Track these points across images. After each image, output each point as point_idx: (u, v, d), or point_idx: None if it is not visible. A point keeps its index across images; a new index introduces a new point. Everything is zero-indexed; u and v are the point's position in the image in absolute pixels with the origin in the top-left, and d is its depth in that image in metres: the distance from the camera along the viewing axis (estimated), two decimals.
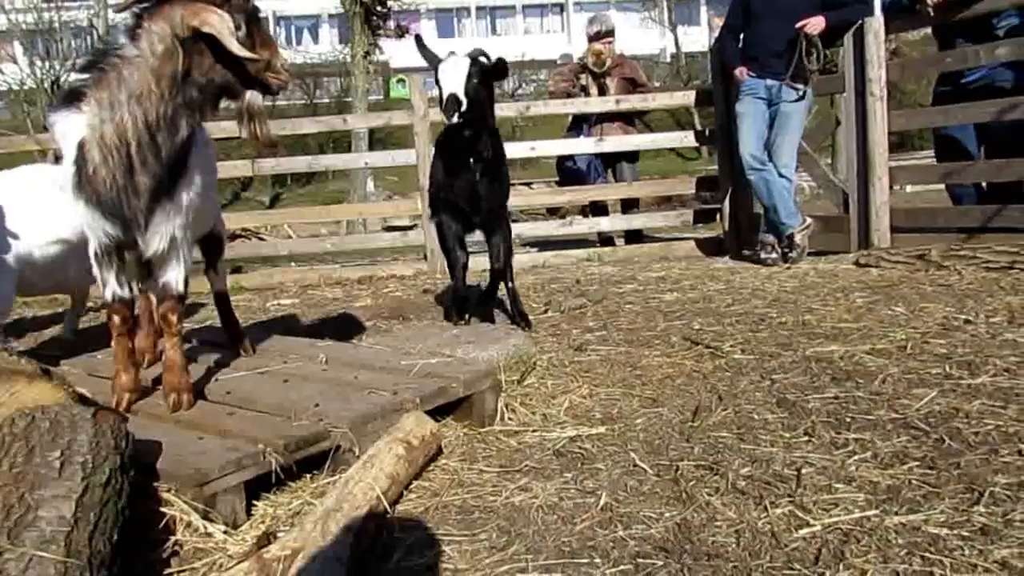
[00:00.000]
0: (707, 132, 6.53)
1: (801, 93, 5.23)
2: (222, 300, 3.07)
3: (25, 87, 20.55)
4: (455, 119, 3.32)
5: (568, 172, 6.93)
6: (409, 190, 18.83)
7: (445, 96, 3.32)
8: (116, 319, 2.46)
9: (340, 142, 20.48)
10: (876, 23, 5.27)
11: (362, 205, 11.55)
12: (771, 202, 5.27)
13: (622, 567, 1.71)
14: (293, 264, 7.42)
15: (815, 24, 5.14)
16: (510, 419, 2.64)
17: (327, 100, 26.77)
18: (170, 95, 2.20)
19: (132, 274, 2.47)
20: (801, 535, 1.76)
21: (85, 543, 1.42)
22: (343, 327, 4.29)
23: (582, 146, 6.59)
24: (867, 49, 5.28)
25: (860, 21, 5.28)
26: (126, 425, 1.85)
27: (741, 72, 5.39)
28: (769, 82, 5.31)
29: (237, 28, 2.22)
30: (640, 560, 1.73)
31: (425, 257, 6.56)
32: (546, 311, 4.27)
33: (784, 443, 2.26)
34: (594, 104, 6.54)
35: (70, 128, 2.25)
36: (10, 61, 20.73)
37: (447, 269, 3.99)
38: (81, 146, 2.24)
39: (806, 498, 1.91)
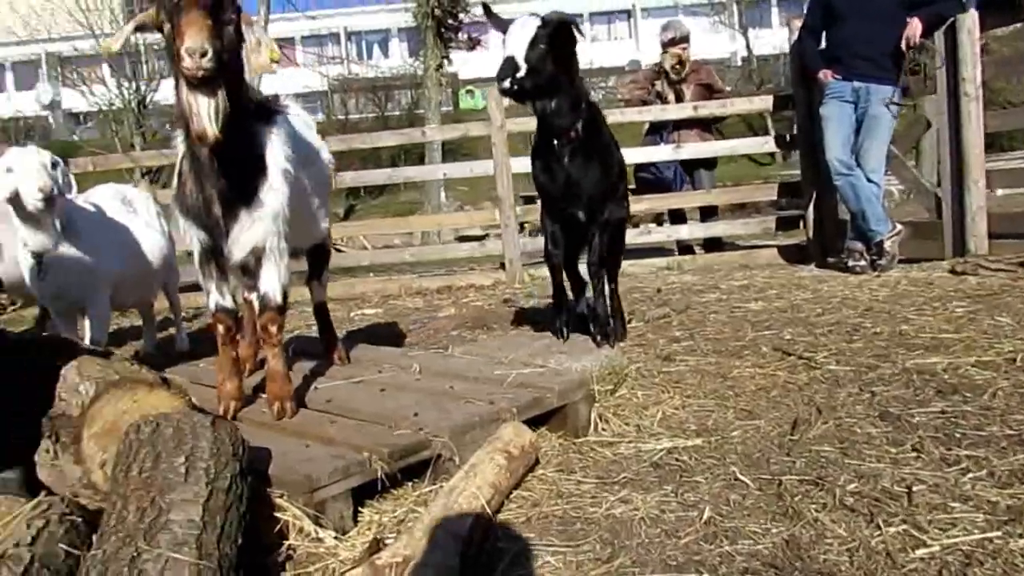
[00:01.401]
0: (788, 137, 6.39)
1: (896, 99, 5.10)
2: (321, 310, 3.15)
3: (113, 107, 21.41)
4: (506, 84, 2.92)
5: (646, 180, 6.88)
6: (479, 200, 19.02)
7: (501, 60, 2.95)
8: (220, 328, 2.55)
9: (411, 153, 20.74)
10: (969, 20, 5.10)
11: (440, 216, 11.66)
12: (859, 208, 5.15)
13: None
14: (371, 275, 7.55)
15: (915, 30, 4.99)
16: (604, 430, 2.63)
17: (398, 113, 27.16)
18: None
19: (233, 284, 2.56)
20: (918, 555, 1.71)
21: (214, 546, 1.47)
22: (429, 337, 4.35)
23: (659, 153, 6.54)
24: (960, 47, 5.11)
25: (952, 18, 5.12)
26: (240, 432, 1.91)
27: (825, 74, 5.27)
28: (856, 84, 5.18)
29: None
30: None
31: (503, 267, 6.60)
32: (630, 320, 4.25)
33: (891, 459, 2.20)
34: (671, 111, 6.49)
35: (180, 143, 2.38)
36: (99, 83, 21.63)
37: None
38: (181, 159, 2.37)
39: (920, 517, 1.86)
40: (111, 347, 4.68)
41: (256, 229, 2.40)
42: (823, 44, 5.47)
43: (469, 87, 29.44)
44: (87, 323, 3.61)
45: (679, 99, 6.67)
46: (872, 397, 2.69)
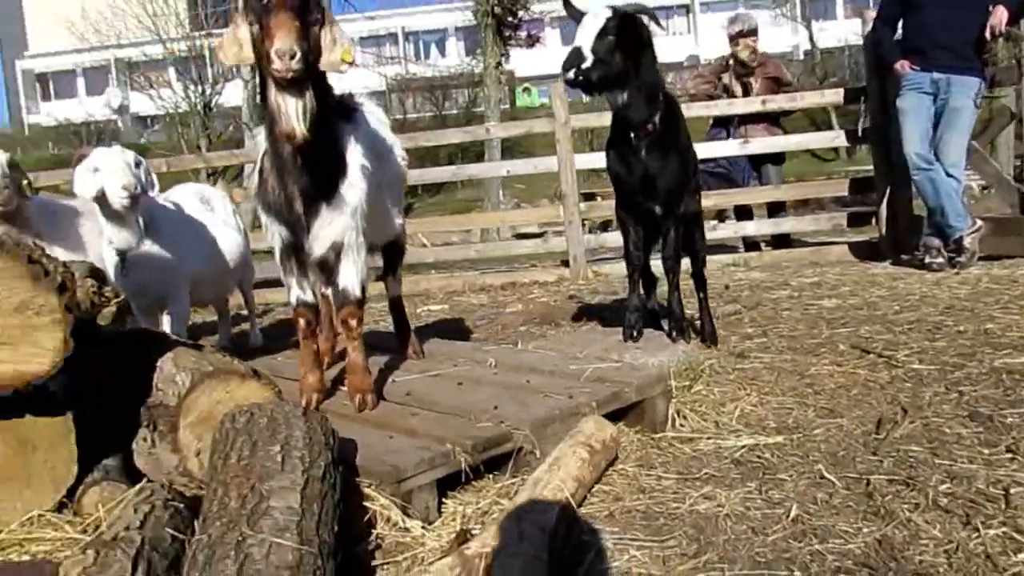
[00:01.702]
0: (860, 131, 6.24)
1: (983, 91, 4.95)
2: (396, 305, 3.19)
3: (179, 110, 21.98)
4: (571, 75, 2.90)
5: (710, 172, 6.76)
6: (537, 198, 19.02)
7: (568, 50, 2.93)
8: (301, 322, 2.60)
9: (468, 152, 20.85)
10: None
11: (502, 213, 11.73)
12: (938, 203, 5.00)
13: None
14: (434, 272, 7.61)
15: (1000, 18, 4.82)
16: (682, 425, 2.62)
17: (455, 111, 27.32)
18: None
19: (312, 279, 2.61)
20: (1021, 559, 1.66)
21: (314, 532, 1.51)
22: (497, 332, 4.37)
23: (726, 148, 6.45)
24: None
25: None
26: (330, 423, 1.95)
27: (903, 65, 5.12)
28: (935, 75, 5.02)
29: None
30: (842, 575, 1.68)
31: (566, 263, 6.60)
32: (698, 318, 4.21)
33: (984, 460, 2.15)
34: (738, 105, 6.39)
35: (261, 140, 2.44)
36: (166, 87, 22.23)
37: None
38: (263, 156, 2.42)
39: (1021, 520, 1.80)
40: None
41: (336, 225, 2.44)
42: (899, 34, 5.33)
43: (526, 85, 29.48)
44: (165, 319, 3.72)
45: (746, 93, 6.57)
46: (960, 397, 2.62)
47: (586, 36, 2.91)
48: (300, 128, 2.18)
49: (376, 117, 2.94)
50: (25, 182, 3.61)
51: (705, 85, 6.80)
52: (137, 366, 2.24)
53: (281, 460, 1.69)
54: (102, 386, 2.14)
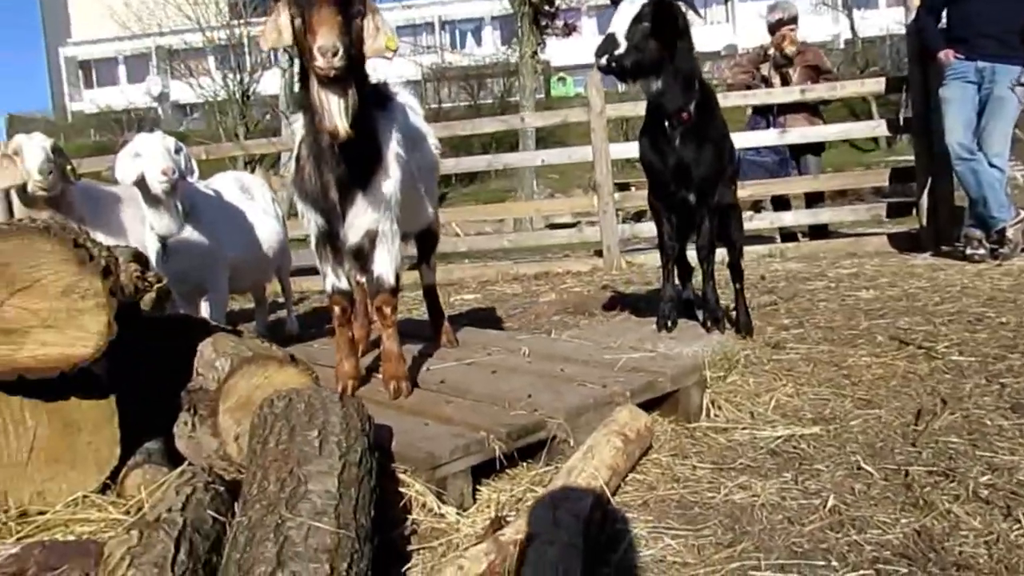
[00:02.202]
0: (901, 121, 6.14)
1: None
2: (431, 293, 3.21)
3: (218, 99, 22.21)
4: (603, 61, 2.90)
5: (751, 161, 6.66)
6: (570, 188, 18.95)
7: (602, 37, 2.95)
8: (336, 310, 2.63)
9: (502, 141, 20.81)
10: None
11: (536, 202, 11.71)
12: (980, 194, 4.91)
13: (862, 572, 1.65)
14: (467, 261, 7.62)
15: None
16: (716, 416, 2.60)
17: (490, 101, 27.28)
18: None
19: (348, 267, 2.63)
20: None
21: (351, 516, 1.53)
22: (530, 322, 4.38)
23: (764, 138, 6.37)
24: None
25: None
26: (366, 409, 1.97)
27: (947, 55, 5.02)
28: (980, 64, 4.92)
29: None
30: (880, 566, 1.67)
31: (599, 253, 6.58)
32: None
33: None
34: (777, 94, 6.31)
35: (297, 128, 2.46)
36: (205, 75, 22.47)
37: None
38: (300, 144, 2.44)
39: None
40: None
41: (371, 213, 2.45)
42: (943, 23, 5.22)
43: (561, 74, 29.34)
44: (204, 305, 3.78)
45: (785, 82, 6.48)
46: (1001, 388, 2.58)
47: (621, 22, 2.90)
48: (343, 125, 2.18)
49: (410, 106, 2.95)
50: (69, 168, 3.68)
51: (743, 75, 6.71)
52: (177, 351, 2.28)
53: (319, 445, 1.71)
54: (144, 370, 2.18)
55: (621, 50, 2.89)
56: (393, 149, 2.47)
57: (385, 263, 2.54)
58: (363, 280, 3.04)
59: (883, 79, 6.73)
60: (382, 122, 2.48)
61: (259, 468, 1.68)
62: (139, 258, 2.29)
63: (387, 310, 2.58)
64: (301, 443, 1.72)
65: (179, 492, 1.65)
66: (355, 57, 2.19)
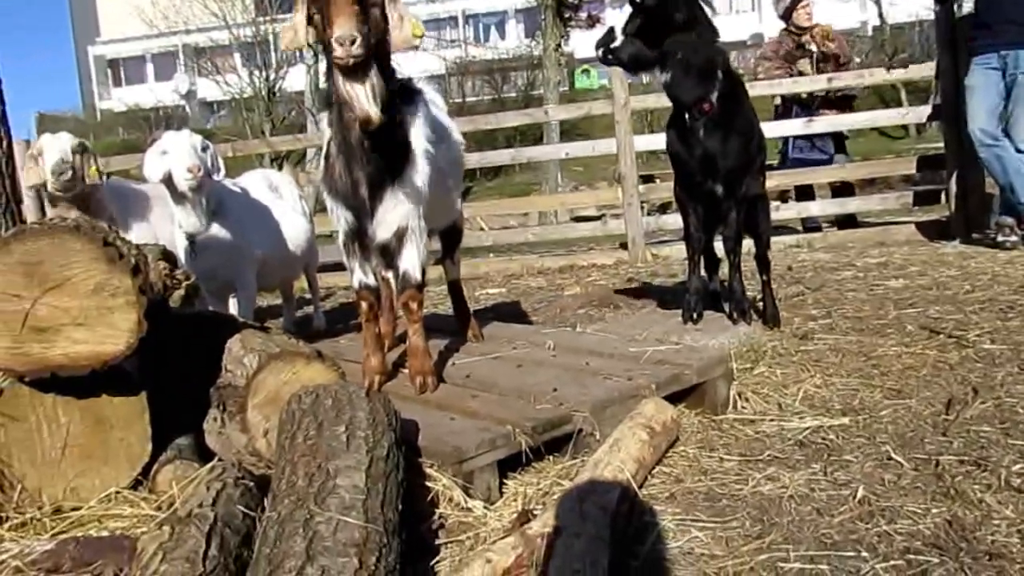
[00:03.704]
0: (932, 108, 6.04)
1: None
2: (455, 288, 3.21)
3: (244, 96, 22.41)
4: (599, 53, 3.03)
5: (797, 162, 6.54)
6: (595, 181, 18.88)
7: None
8: (363, 305, 2.64)
9: (527, 135, 20.78)
10: None
11: (561, 195, 11.71)
12: (1007, 180, 4.84)
13: (893, 562, 1.64)
14: (491, 255, 7.63)
15: None
16: (743, 407, 2.59)
17: (513, 95, 27.25)
18: None
19: (374, 263, 2.64)
20: None
21: (379, 511, 1.54)
22: (555, 315, 4.37)
23: (790, 128, 6.29)
24: None
25: None
26: (392, 404, 1.99)
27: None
28: (1004, 51, 4.85)
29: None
30: (912, 556, 1.65)
31: (624, 246, 6.56)
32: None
33: None
34: (803, 83, 6.23)
35: (324, 126, 2.47)
36: (232, 72, 22.69)
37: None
38: (328, 142, 2.46)
39: None
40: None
41: (400, 210, 2.46)
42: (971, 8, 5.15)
43: (585, 67, 29.22)
44: (232, 302, 3.82)
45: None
46: None
47: (623, 15, 3.01)
48: (375, 110, 2.19)
49: (433, 101, 2.95)
50: (94, 168, 3.70)
51: (777, 71, 6.56)
52: (206, 348, 2.31)
53: (346, 440, 1.72)
54: (173, 367, 2.21)
55: (617, 43, 2.99)
56: (422, 145, 2.48)
57: (412, 259, 2.54)
58: (389, 275, 3.06)
59: (912, 66, 6.61)
60: (410, 117, 2.48)
61: (287, 463, 1.70)
62: (168, 256, 2.32)
63: (413, 305, 2.58)
64: (329, 438, 1.73)
65: (210, 488, 1.67)
66: (376, 46, 2.19)
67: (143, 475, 1.99)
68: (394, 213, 2.45)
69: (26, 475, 1.89)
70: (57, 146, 3.58)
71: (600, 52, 3.03)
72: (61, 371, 1.79)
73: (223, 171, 3.60)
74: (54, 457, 1.91)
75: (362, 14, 2.14)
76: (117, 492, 1.94)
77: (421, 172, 2.47)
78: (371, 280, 2.63)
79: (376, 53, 2.21)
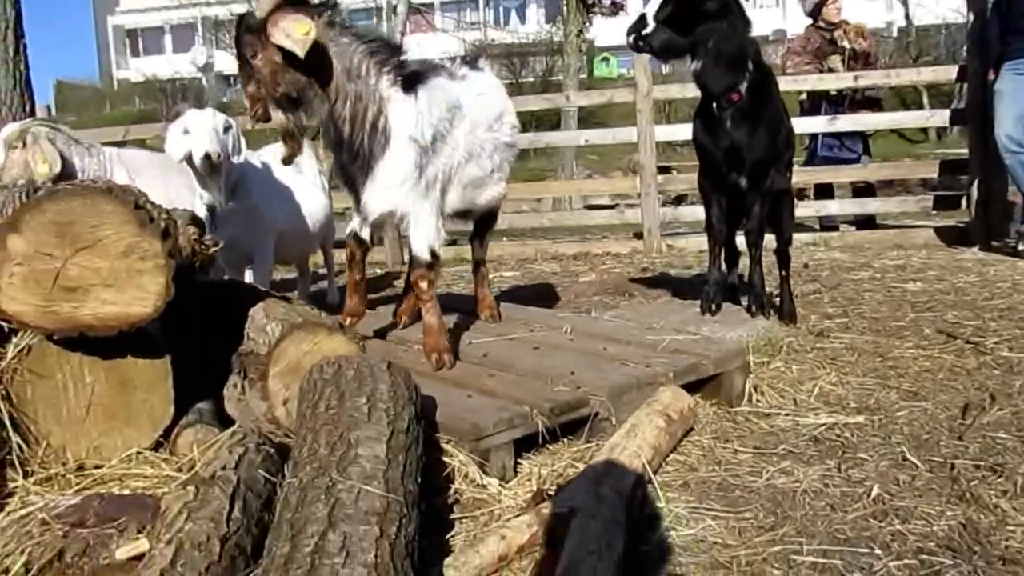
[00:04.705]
0: (956, 111, 6.00)
1: None
2: (479, 268, 3.20)
3: None
4: (630, 39, 3.02)
5: (826, 161, 6.48)
6: (609, 169, 18.79)
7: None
8: (347, 252, 2.78)
9: (543, 121, 20.67)
10: None
11: (578, 182, 11.66)
12: None
13: (906, 561, 1.65)
14: (505, 239, 7.63)
15: None
16: (759, 401, 2.59)
17: (531, 79, 27.12)
18: None
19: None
20: None
21: (399, 482, 1.55)
22: (570, 300, 4.38)
23: (814, 125, 6.24)
24: None
25: None
26: (413, 379, 2.00)
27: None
28: None
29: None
30: (925, 557, 1.66)
31: (638, 236, 6.54)
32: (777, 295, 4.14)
33: None
34: (829, 80, 6.18)
35: None
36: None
37: None
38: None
39: None
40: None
41: (380, 198, 2.53)
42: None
43: (605, 55, 29.06)
44: (248, 273, 3.84)
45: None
46: None
47: (654, 2, 2.99)
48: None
49: (482, 83, 2.89)
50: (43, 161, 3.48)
51: (807, 67, 6.48)
52: (228, 315, 2.33)
53: (368, 411, 1.74)
54: (196, 332, 2.23)
55: (648, 29, 2.98)
56: (405, 131, 2.48)
57: (419, 240, 2.59)
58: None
59: (940, 68, 6.55)
60: (396, 104, 2.47)
61: (309, 431, 1.71)
62: (197, 222, 2.33)
63: (423, 284, 2.61)
64: (350, 408, 1.74)
65: (232, 452, 1.69)
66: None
67: (164, 437, 2.01)
68: (375, 201, 2.54)
69: (51, 432, 1.91)
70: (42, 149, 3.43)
71: (631, 39, 3.02)
72: (89, 331, 1.81)
73: (244, 153, 3.60)
74: (79, 415, 1.93)
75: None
76: (138, 452, 1.96)
77: (400, 160, 2.49)
78: (364, 234, 2.72)
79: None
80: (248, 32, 2.33)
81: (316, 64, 2.34)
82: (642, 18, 3.01)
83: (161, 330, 2.04)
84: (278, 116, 2.44)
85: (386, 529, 1.41)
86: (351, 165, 2.51)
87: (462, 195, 2.73)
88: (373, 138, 2.45)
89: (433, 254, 2.60)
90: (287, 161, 2.70)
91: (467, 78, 2.79)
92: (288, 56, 2.29)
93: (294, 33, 2.24)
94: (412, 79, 2.53)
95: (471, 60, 2.98)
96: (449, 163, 2.64)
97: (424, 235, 2.58)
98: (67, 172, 3.53)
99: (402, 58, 2.52)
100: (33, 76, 4.46)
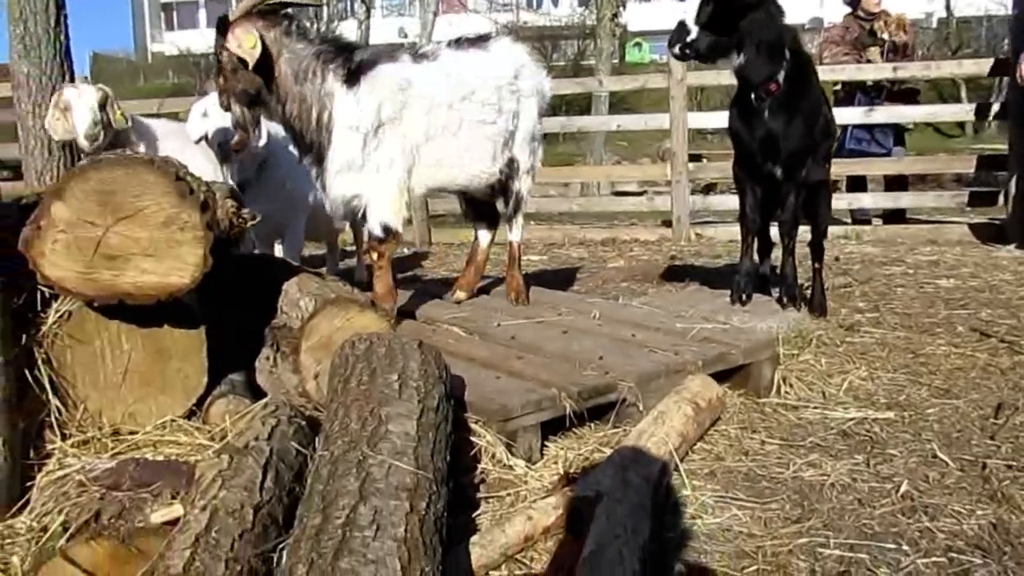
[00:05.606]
0: (999, 107, 5.87)
1: None
2: (512, 249, 3.20)
3: None
4: (676, 51, 2.99)
5: (854, 155, 6.39)
6: (638, 156, 18.67)
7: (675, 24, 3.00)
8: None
9: (572, 105, 20.54)
10: None
11: (608, 168, 11.61)
12: None
13: (934, 559, 1.64)
14: (532, 223, 7.60)
15: None
16: (787, 393, 2.58)
17: (562, 63, 26.93)
18: None
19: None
20: None
21: (428, 459, 1.56)
22: (598, 286, 4.37)
23: (849, 116, 6.14)
24: None
25: None
26: (443, 358, 2.01)
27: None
28: None
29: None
30: (953, 555, 1.65)
31: (669, 223, 6.50)
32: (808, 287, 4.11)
33: None
34: (868, 71, 6.08)
35: None
36: None
37: None
38: None
39: None
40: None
41: (335, 185, 2.72)
42: None
43: (637, 40, 28.78)
44: (278, 247, 3.86)
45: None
46: None
47: (690, 7, 2.94)
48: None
49: (462, 64, 2.88)
50: (119, 114, 3.65)
51: (845, 57, 6.38)
52: (262, 288, 2.35)
53: (398, 388, 1.75)
54: (230, 304, 2.25)
55: (692, 36, 2.94)
56: (344, 121, 2.64)
57: (373, 216, 2.77)
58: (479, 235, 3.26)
59: (982, 61, 6.41)
60: (337, 100, 2.64)
61: (340, 406, 1.73)
62: (235, 195, 2.35)
63: (375, 255, 2.83)
64: (382, 385, 1.76)
65: (264, 423, 1.71)
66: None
67: (197, 406, 2.03)
68: (333, 188, 2.73)
69: (88, 396, 1.94)
70: (87, 106, 3.53)
71: (677, 49, 2.98)
72: (128, 299, 1.83)
73: (265, 138, 3.59)
74: (115, 381, 1.96)
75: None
76: (172, 420, 1.99)
77: (344, 148, 2.66)
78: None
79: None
80: (218, 32, 2.60)
81: (267, 70, 2.60)
82: (682, 25, 2.96)
83: (197, 301, 2.06)
84: (235, 108, 2.68)
85: (416, 504, 1.42)
86: (308, 160, 2.73)
87: (435, 173, 2.85)
88: (320, 133, 2.67)
89: (386, 229, 2.78)
90: (238, 149, 2.91)
91: (438, 58, 2.83)
92: (243, 60, 2.55)
93: (244, 44, 2.53)
94: (356, 72, 2.67)
95: (476, 39, 2.98)
96: (406, 144, 2.75)
97: (377, 212, 2.76)
98: (117, 141, 3.62)
99: (352, 55, 2.68)
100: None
